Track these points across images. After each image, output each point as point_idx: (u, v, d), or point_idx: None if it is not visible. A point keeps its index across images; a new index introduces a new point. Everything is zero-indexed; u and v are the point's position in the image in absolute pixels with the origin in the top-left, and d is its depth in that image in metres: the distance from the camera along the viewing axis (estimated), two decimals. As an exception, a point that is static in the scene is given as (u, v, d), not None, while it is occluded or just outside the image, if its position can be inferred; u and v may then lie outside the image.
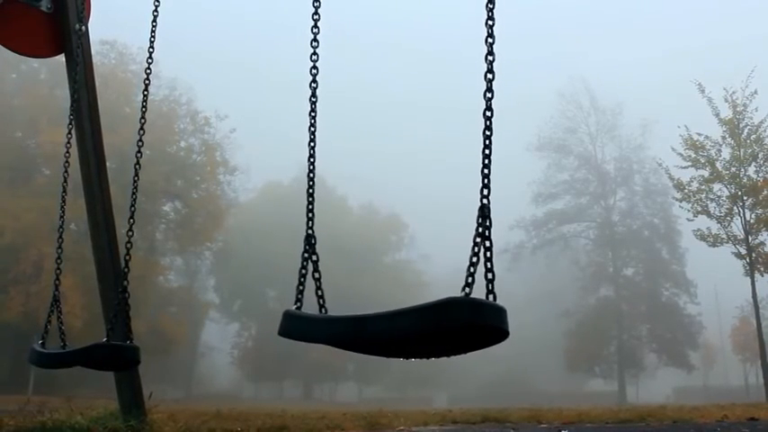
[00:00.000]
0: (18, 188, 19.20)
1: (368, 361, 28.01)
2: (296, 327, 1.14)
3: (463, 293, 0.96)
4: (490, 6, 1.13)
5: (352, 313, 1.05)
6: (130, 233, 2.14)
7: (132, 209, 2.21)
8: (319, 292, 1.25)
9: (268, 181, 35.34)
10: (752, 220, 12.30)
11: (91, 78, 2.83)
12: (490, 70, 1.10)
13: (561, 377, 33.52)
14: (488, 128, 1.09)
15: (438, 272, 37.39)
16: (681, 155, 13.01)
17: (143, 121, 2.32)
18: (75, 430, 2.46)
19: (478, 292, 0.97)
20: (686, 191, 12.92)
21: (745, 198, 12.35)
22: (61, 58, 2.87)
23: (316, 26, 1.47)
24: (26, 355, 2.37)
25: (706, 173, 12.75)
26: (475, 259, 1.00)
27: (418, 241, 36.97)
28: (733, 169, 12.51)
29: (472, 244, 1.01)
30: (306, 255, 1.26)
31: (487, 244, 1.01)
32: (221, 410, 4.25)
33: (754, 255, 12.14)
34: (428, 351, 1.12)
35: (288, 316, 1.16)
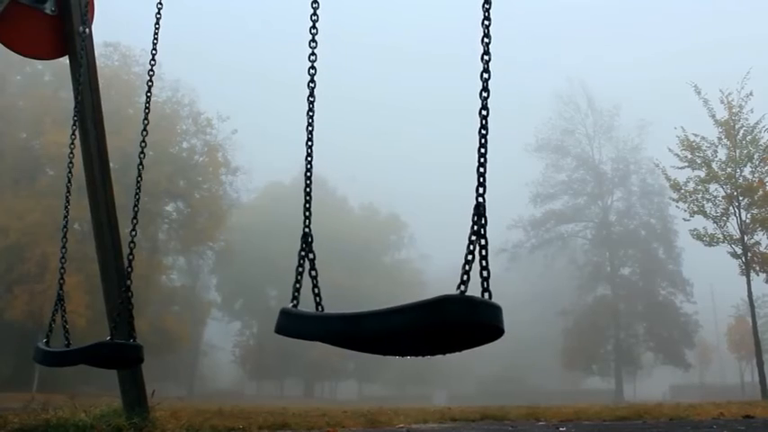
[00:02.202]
0: (22, 188, 19.18)
1: (368, 359, 28.04)
2: (291, 324, 1.14)
3: (458, 291, 0.95)
4: (486, 6, 1.14)
5: (349, 311, 1.04)
6: (133, 233, 2.16)
7: (135, 209, 2.23)
8: (316, 290, 1.24)
9: (269, 181, 35.42)
10: (747, 220, 12.37)
11: (94, 80, 2.87)
12: (486, 69, 1.10)
13: (559, 375, 33.66)
14: (484, 126, 1.08)
15: (437, 271, 37.47)
16: (677, 155, 13.08)
17: (146, 122, 2.34)
18: (79, 428, 2.49)
19: (474, 290, 0.98)
20: (683, 191, 12.99)
21: (740, 198, 12.43)
22: (65, 59, 2.90)
23: (314, 27, 1.47)
24: (31, 353, 2.40)
25: (702, 173, 12.81)
26: (470, 257, 0.99)
27: (418, 241, 37.12)
28: (729, 170, 12.58)
29: (467, 242, 1.00)
30: (303, 253, 1.26)
31: (483, 242, 1.00)
32: (223, 408, 4.28)
33: (749, 254, 12.21)
34: (423, 349, 1.11)
35: (284, 313, 1.15)
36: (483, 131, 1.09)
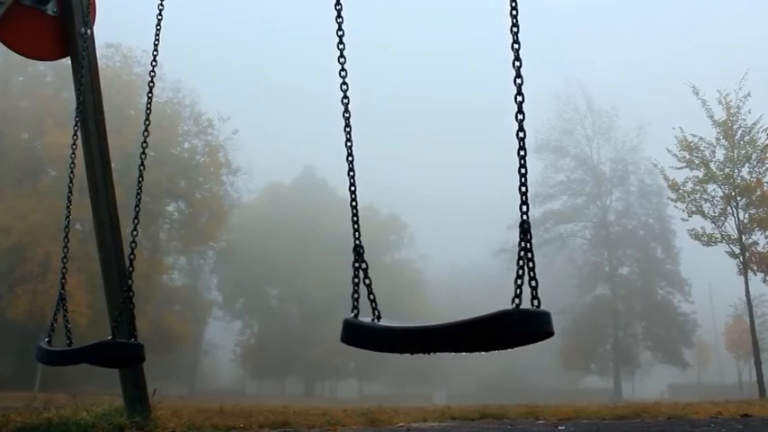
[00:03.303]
0: (25, 188, 19.24)
1: (368, 359, 28.06)
2: (359, 336, 1.20)
3: (514, 305, 1.04)
4: (515, 44, 1.19)
5: (413, 325, 1.11)
6: (135, 233, 2.16)
7: (137, 209, 2.24)
8: (371, 296, 1.30)
9: (270, 181, 35.46)
10: (745, 220, 12.42)
11: (96, 81, 2.89)
12: (519, 92, 1.17)
13: (558, 374, 33.74)
14: (522, 148, 1.16)
15: (437, 271, 37.55)
16: (675, 156, 13.12)
17: (147, 122, 2.34)
18: (81, 426, 2.50)
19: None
20: (681, 191, 13.02)
21: (738, 198, 12.47)
22: (67, 60, 2.91)
23: (341, 42, 1.48)
24: (33, 352, 2.41)
25: (700, 173, 12.85)
26: (521, 272, 1.07)
27: (418, 241, 37.16)
28: (727, 170, 12.62)
29: (517, 258, 1.09)
30: (356, 264, 1.33)
31: (530, 256, 1.09)
32: (224, 407, 4.29)
33: (747, 254, 12.26)
34: (479, 349, 1.19)
35: (349, 324, 1.22)
36: (522, 152, 1.17)
